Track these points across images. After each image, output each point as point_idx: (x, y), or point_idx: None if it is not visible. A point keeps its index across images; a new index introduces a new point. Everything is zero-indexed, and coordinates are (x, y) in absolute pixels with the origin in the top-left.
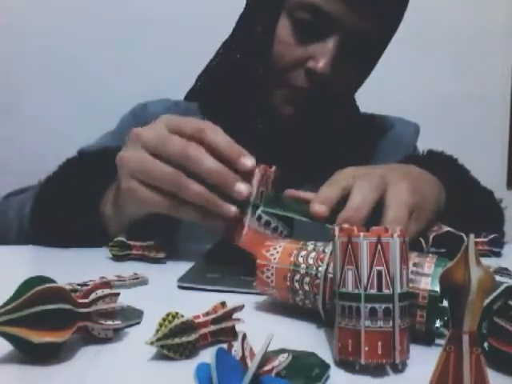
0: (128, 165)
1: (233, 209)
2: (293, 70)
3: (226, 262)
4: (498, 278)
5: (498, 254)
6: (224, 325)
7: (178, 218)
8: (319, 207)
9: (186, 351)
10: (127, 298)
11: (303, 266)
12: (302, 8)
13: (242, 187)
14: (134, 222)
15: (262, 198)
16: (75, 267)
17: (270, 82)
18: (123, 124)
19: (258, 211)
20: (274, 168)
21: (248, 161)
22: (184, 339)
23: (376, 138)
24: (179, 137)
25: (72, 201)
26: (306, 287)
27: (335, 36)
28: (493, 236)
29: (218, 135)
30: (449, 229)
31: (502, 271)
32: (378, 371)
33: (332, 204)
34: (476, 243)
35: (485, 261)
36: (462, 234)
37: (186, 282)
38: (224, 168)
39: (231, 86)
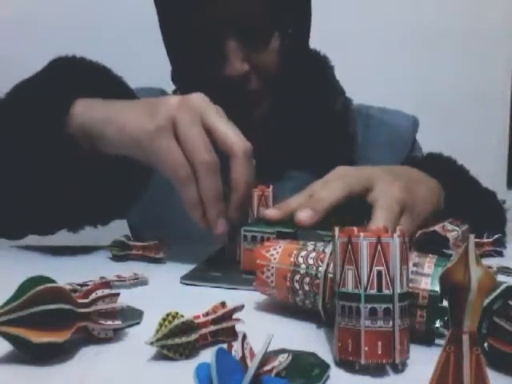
0: (181, 124)
1: (220, 229)
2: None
3: (228, 262)
4: (500, 276)
5: (500, 254)
6: (224, 325)
7: (177, 190)
8: (271, 212)
9: (186, 351)
10: (127, 298)
11: (303, 266)
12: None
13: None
14: (115, 154)
15: (248, 217)
16: (75, 267)
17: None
18: None
19: (242, 231)
20: (271, 187)
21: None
22: (184, 339)
23: (371, 130)
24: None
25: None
26: (306, 287)
27: (230, 40)
28: (497, 236)
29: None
30: (435, 229)
31: (505, 270)
32: (377, 371)
33: (287, 210)
34: (481, 243)
35: (488, 260)
36: (448, 235)
37: (189, 280)
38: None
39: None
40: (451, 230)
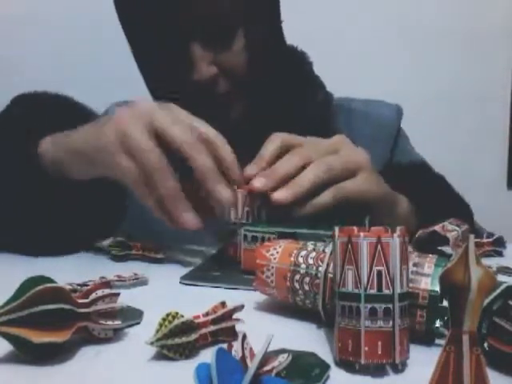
0: (128, 136)
1: (189, 224)
2: (188, 91)
3: (228, 262)
4: (500, 276)
5: (500, 254)
6: (224, 325)
7: (139, 198)
8: (257, 182)
9: (186, 351)
10: (127, 298)
11: (303, 265)
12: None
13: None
14: (88, 176)
15: (249, 217)
16: (75, 267)
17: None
18: None
19: (242, 231)
20: None
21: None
22: (184, 339)
23: (354, 124)
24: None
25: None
26: (306, 287)
27: (194, 45)
28: (497, 236)
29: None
30: (435, 229)
31: (505, 270)
32: (377, 371)
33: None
34: (481, 243)
35: (487, 260)
36: (448, 235)
37: (189, 280)
38: (214, 171)
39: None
40: (451, 230)
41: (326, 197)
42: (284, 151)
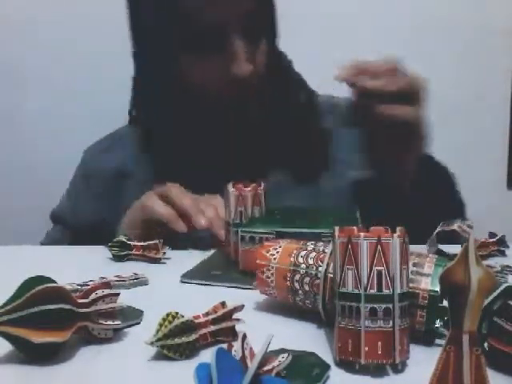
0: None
1: (202, 222)
2: (214, 88)
3: (227, 261)
4: (502, 275)
5: (503, 253)
6: (224, 325)
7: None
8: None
9: (186, 351)
10: (127, 298)
11: (303, 266)
12: (192, 31)
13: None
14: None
15: (242, 217)
16: (75, 267)
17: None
18: (73, 183)
19: (239, 232)
20: (262, 185)
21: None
22: (184, 339)
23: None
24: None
25: None
26: (306, 287)
27: (236, 39)
28: (500, 236)
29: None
30: (454, 228)
31: (506, 269)
32: (377, 371)
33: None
34: (486, 244)
35: (490, 260)
36: (466, 234)
37: (190, 278)
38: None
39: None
40: (467, 229)
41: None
42: None
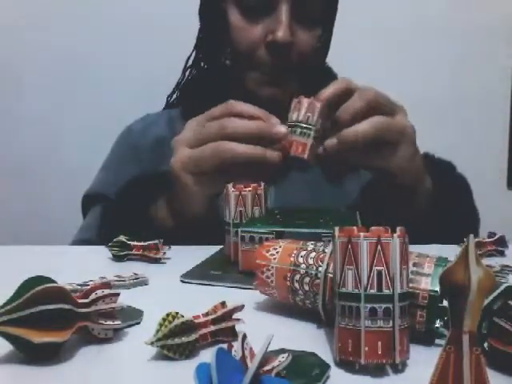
0: (179, 166)
1: (282, 129)
2: (256, 50)
3: (227, 261)
4: (502, 275)
5: (502, 253)
6: (224, 325)
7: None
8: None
9: (186, 351)
10: (127, 298)
11: (303, 266)
12: None
13: (280, 128)
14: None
15: (242, 217)
16: (75, 267)
17: (238, 69)
18: (117, 155)
19: (239, 232)
20: (263, 185)
21: (281, 128)
22: (184, 339)
23: None
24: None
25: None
26: (306, 287)
27: (284, 4)
28: (499, 236)
29: (242, 105)
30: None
31: (506, 269)
32: (377, 371)
33: None
34: (484, 243)
35: (489, 260)
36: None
37: (190, 278)
38: (259, 121)
39: (206, 84)
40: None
41: (365, 125)
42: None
